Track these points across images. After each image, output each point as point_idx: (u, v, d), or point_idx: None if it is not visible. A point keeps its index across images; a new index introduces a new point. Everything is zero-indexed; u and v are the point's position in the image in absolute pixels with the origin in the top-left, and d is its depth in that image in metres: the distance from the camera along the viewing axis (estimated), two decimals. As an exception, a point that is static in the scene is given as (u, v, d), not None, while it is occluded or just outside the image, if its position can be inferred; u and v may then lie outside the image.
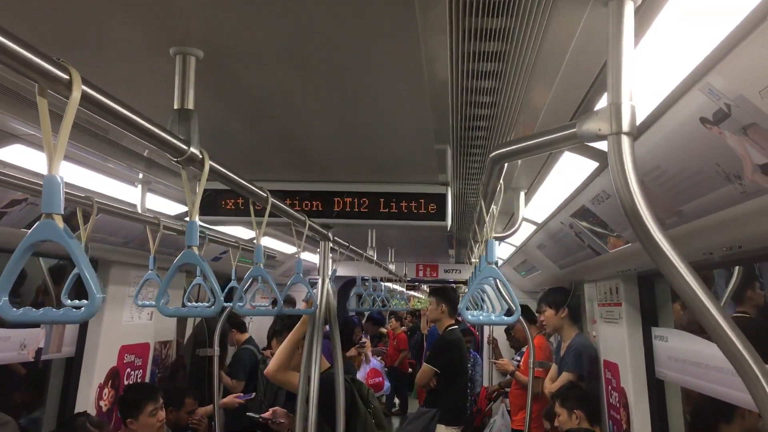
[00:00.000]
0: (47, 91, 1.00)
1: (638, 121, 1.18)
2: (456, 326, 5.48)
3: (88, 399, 4.16)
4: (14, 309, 0.97)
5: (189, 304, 2.98)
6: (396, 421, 11.15)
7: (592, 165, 2.51)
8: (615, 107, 1.15)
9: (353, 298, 7.78)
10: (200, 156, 1.51)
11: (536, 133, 1.35)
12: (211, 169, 1.58)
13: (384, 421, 3.84)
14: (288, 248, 6.58)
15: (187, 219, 1.57)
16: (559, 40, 1.59)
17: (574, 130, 1.24)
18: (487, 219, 1.97)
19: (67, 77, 1.00)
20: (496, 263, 2.02)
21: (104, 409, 4.28)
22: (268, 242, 5.85)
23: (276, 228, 4.98)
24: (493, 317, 2.23)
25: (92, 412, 4.00)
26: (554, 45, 1.60)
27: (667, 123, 1.68)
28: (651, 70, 1.61)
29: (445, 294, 5.58)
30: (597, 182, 2.57)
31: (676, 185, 1.98)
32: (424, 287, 15.63)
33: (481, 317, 2.28)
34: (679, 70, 1.52)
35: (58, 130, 0.99)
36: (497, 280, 2.22)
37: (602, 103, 1.77)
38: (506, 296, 2.73)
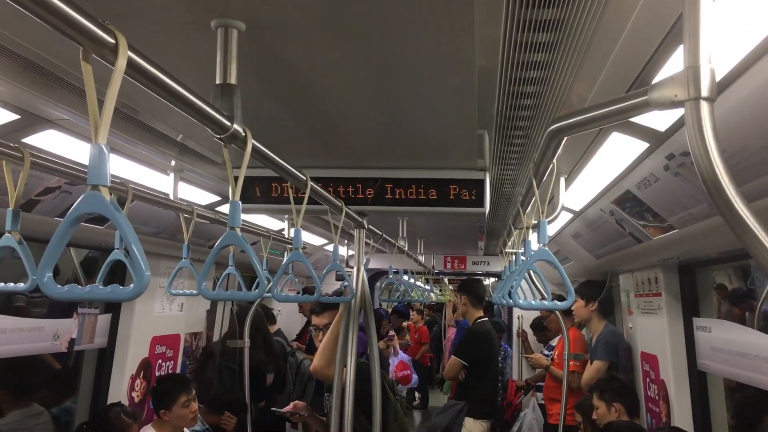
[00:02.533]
0: (92, 56, 0.95)
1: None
2: (486, 318, 5.40)
3: (120, 390, 4.15)
4: (59, 286, 0.92)
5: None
6: (417, 415, 11.09)
7: (639, 148, 2.42)
8: (693, 70, 1.07)
9: (383, 289, 7.73)
10: (243, 134, 1.46)
11: (600, 103, 1.27)
12: (253, 148, 1.53)
13: (405, 409, 3.80)
14: (317, 240, 6.54)
15: (219, 209, 1.52)
16: (614, 23, 1.52)
17: (645, 97, 1.15)
18: (538, 197, 1.89)
19: (114, 41, 0.94)
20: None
21: (136, 399, 4.27)
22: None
23: (306, 219, 4.94)
24: (545, 303, 2.15)
25: (125, 402, 3.99)
26: (607, 28, 1.53)
27: (745, 86, 1.58)
28: (727, 28, 1.51)
29: (470, 287, 5.51)
30: (645, 165, 2.47)
31: (753, 155, 1.87)
32: (445, 280, 15.49)
33: (533, 303, 2.20)
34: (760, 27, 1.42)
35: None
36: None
37: (660, 77, 1.70)
38: (542, 283, 2.64)
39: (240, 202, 1.51)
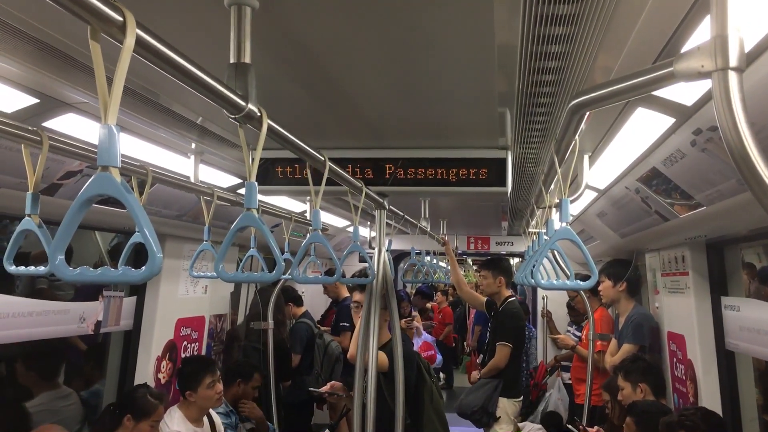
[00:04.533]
0: (100, 35, 0.93)
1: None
2: (513, 297, 5.34)
3: (146, 371, 4.20)
4: (71, 268, 0.91)
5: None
6: (443, 395, 11.11)
7: (665, 123, 2.36)
8: (720, 40, 1.02)
9: (406, 270, 7.72)
10: (258, 113, 1.43)
11: (623, 76, 1.23)
12: (269, 128, 1.50)
13: (441, 392, 3.80)
14: (339, 221, 6.54)
15: (240, 191, 1.51)
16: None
17: (671, 69, 1.11)
18: (560, 175, 1.85)
19: (121, 19, 0.92)
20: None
21: (162, 381, 4.32)
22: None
23: (326, 200, 4.93)
24: (568, 283, 2.11)
25: (151, 384, 4.03)
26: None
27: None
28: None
29: (501, 265, 5.41)
30: (671, 141, 2.41)
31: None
32: (469, 261, 15.42)
33: (555, 283, 2.17)
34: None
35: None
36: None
37: (687, 48, 1.64)
38: (565, 262, 2.60)
39: (256, 183, 1.49)
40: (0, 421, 3.44)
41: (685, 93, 2.04)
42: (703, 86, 1.94)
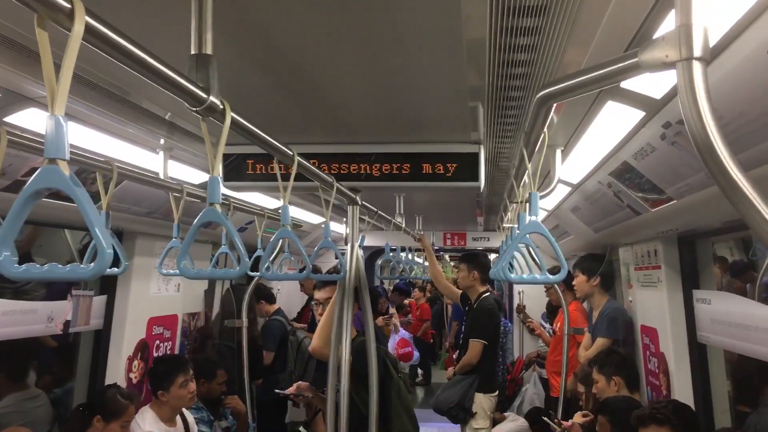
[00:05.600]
0: (47, 22, 0.89)
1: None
2: (488, 293, 5.34)
3: (118, 371, 4.13)
4: (16, 265, 0.87)
5: (215, 272, 2.90)
6: (420, 392, 11.14)
7: (635, 117, 2.36)
8: (685, 29, 1.01)
9: (381, 266, 7.71)
10: (221, 106, 1.40)
11: (589, 67, 1.22)
12: (233, 122, 1.47)
13: (410, 387, 3.78)
14: (314, 218, 6.51)
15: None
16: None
17: (636, 59, 1.10)
18: (529, 169, 1.84)
19: (69, 6, 0.89)
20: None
21: (134, 381, 4.26)
22: (294, 212, 5.76)
23: (302, 197, 4.90)
24: (538, 277, 2.10)
25: (122, 384, 3.97)
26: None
27: (742, 49, 1.52)
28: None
29: (477, 260, 5.41)
30: (641, 134, 2.42)
31: (751, 122, 1.81)
32: (446, 257, 15.45)
33: (525, 277, 2.16)
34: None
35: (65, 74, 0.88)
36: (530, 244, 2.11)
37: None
38: (536, 256, 2.60)
39: (219, 178, 1.46)
40: (-35, 424, 3.37)
41: (654, 86, 2.04)
42: (672, 79, 1.94)
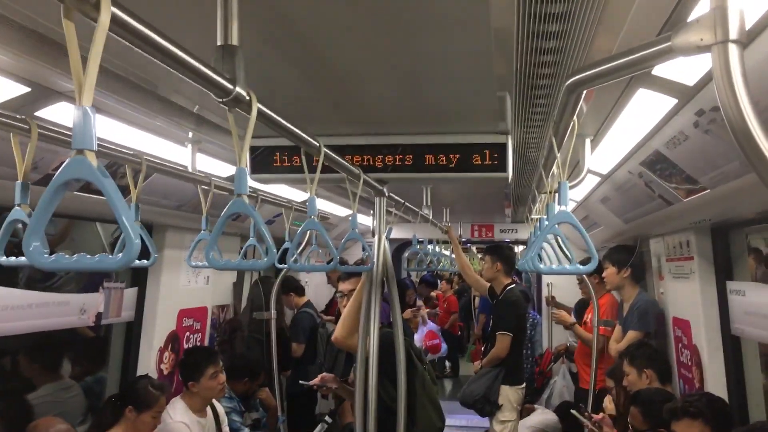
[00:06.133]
0: (74, 13, 0.90)
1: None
2: (514, 285, 5.30)
3: (149, 362, 4.19)
4: (45, 255, 0.88)
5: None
6: (448, 384, 11.12)
7: (667, 104, 2.31)
8: (720, 11, 0.98)
9: (408, 259, 7.67)
10: (247, 97, 1.40)
11: (621, 52, 1.19)
12: (260, 113, 1.47)
13: (434, 378, 3.76)
14: (341, 210, 6.51)
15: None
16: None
17: (668, 43, 1.07)
18: (559, 158, 1.81)
19: (95, -4, 0.89)
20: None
21: (165, 372, 4.31)
22: (321, 204, 5.77)
23: (329, 189, 4.90)
24: (568, 267, 2.06)
25: (153, 375, 4.03)
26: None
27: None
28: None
29: (501, 252, 5.37)
30: (674, 122, 2.37)
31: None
32: (473, 249, 15.39)
33: (554, 267, 2.13)
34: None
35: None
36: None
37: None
38: (566, 247, 2.56)
39: (246, 169, 1.46)
40: (2, 412, 3.43)
41: (687, 72, 1.99)
42: (705, 65, 1.89)
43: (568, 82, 1.33)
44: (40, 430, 2.74)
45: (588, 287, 5.41)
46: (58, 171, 0.88)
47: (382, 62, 2.15)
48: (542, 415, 6.26)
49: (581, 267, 2.03)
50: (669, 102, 2.25)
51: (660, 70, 2.03)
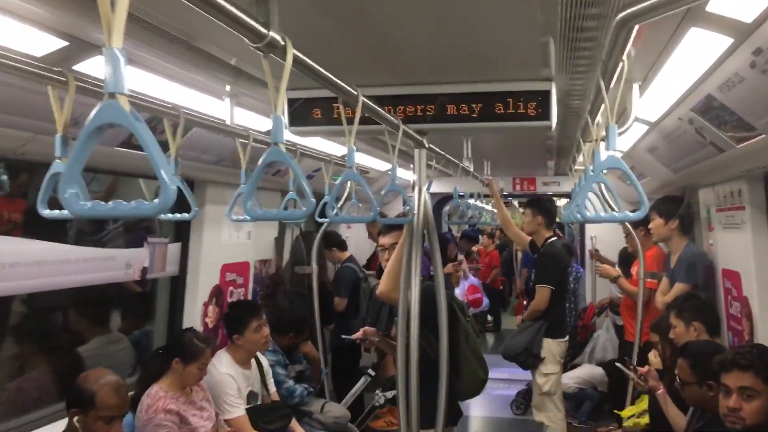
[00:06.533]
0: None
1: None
2: (555, 238, 5.22)
3: (194, 316, 4.27)
4: (81, 202, 0.87)
5: (284, 218, 2.92)
6: (490, 338, 11.16)
7: (721, 44, 2.19)
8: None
9: (449, 213, 7.61)
10: (282, 42, 1.36)
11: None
12: (295, 59, 1.43)
13: (477, 331, 3.75)
14: (381, 164, 6.47)
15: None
16: None
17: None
18: (607, 101, 1.73)
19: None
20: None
21: (210, 325, 4.40)
22: (360, 158, 5.73)
23: (368, 142, 4.86)
24: (616, 215, 1.99)
25: (199, 328, 4.10)
26: None
27: None
28: None
29: (542, 205, 5.27)
30: (728, 64, 2.25)
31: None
32: (515, 203, 15.27)
33: (602, 215, 2.06)
34: None
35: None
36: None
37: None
38: (613, 195, 2.48)
39: (282, 117, 1.43)
40: (55, 365, 3.55)
41: (744, 8, 1.87)
42: (765, 1, 1.78)
43: (619, 16, 1.25)
44: (90, 381, 2.81)
45: (634, 240, 5.29)
46: (90, 115, 0.86)
47: (421, 7, 2.08)
48: (586, 369, 6.23)
49: (631, 214, 1.96)
50: (724, 41, 2.13)
51: (715, 5, 1.92)
